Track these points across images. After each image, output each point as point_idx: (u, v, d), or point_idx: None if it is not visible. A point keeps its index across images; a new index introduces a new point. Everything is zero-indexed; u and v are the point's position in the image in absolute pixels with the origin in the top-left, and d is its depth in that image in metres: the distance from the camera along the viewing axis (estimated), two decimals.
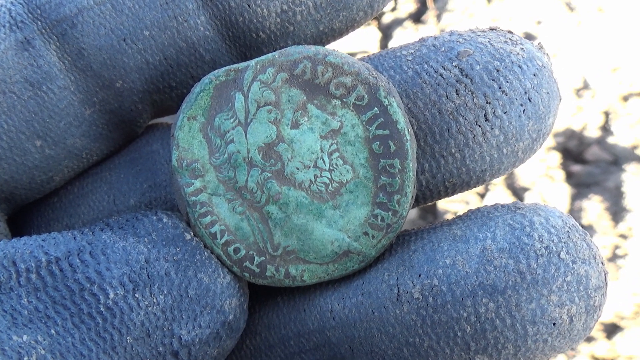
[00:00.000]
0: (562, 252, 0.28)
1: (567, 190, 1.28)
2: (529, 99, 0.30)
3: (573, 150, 1.33)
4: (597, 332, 1.16)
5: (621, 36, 1.39)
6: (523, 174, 1.29)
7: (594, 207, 1.26)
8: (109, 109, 0.33)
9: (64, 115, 0.32)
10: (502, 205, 0.31)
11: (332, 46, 0.34)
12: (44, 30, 0.31)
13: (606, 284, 0.29)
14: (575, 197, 1.28)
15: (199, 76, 0.33)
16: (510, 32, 0.32)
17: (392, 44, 1.44)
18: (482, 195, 1.28)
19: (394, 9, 1.51)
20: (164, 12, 0.31)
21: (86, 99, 0.33)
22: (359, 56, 0.33)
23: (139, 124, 0.35)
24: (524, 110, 0.30)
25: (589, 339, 1.16)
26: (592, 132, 1.33)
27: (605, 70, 1.37)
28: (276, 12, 0.31)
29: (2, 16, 0.32)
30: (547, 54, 0.32)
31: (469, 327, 0.28)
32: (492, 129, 0.30)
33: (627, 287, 1.18)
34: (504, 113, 0.30)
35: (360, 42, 1.44)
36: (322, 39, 0.33)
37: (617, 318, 1.16)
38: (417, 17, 1.49)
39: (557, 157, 1.31)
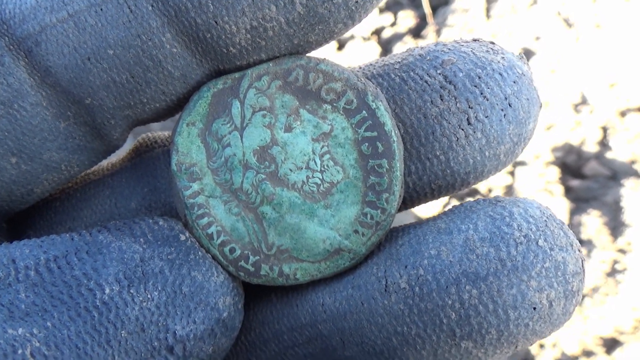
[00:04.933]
0: (540, 240, 0.29)
1: (566, 204, 1.29)
2: (509, 104, 0.32)
3: (572, 165, 1.34)
4: (596, 346, 1.16)
5: (619, 52, 1.41)
6: (522, 188, 1.30)
7: (592, 222, 1.26)
8: (84, 122, 0.33)
9: (38, 131, 0.32)
10: (484, 199, 0.32)
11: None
12: (12, 47, 0.30)
13: (583, 270, 0.30)
14: (574, 212, 1.28)
15: (171, 92, 0.33)
16: (492, 42, 0.34)
17: None
18: None
19: (393, 24, 1.53)
20: (127, 30, 0.30)
21: (60, 112, 0.32)
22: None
23: (115, 137, 0.34)
24: (504, 114, 0.32)
25: (589, 354, 1.16)
26: (591, 147, 1.34)
27: (603, 86, 1.39)
28: (245, 28, 0.30)
29: None
30: (527, 64, 0.33)
31: (453, 314, 0.29)
32: (474, 132, 0.31)
33: (626, 302, 1.18)
34: (486, 117, 0.31)
35: (360, 56, 1.46)
36: (298, 51, 0.32)
37: (617, 333, 1.16)
38: (417, 32, 1.51)
39: (555, 171, 1.32)
